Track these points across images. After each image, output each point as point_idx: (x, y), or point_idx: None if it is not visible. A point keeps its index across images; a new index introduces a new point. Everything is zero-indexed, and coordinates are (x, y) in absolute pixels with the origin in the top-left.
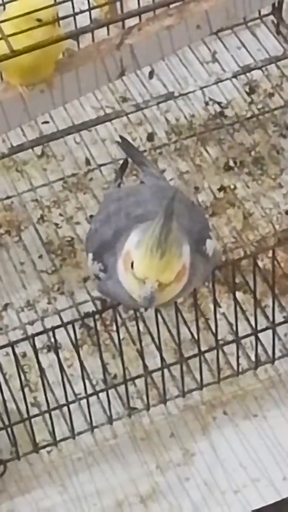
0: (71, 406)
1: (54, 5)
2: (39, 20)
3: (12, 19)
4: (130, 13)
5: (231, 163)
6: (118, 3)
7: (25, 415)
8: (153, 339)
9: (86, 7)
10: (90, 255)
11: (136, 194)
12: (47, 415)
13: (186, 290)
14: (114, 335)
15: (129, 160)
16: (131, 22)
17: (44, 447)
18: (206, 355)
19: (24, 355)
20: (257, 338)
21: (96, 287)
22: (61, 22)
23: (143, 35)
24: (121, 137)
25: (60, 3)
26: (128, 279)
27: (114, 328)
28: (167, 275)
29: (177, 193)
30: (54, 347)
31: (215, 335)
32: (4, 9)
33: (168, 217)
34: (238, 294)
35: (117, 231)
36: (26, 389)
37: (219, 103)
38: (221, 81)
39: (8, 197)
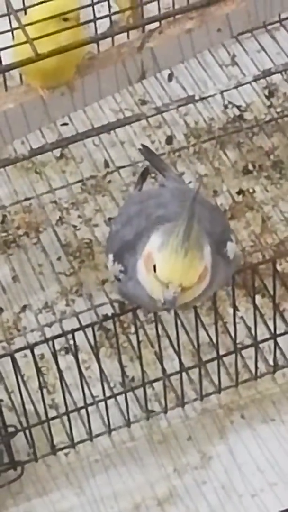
0: (89, 408)
1: (79, 8)
2: (65, 19)
3: (39, 22)
4: (152, 18)
5: (250, 167)
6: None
7: (43, 417)
8: (171, 342)
9: (106, 9)
10: (111, 256)
11: (157, 197)
12: (65, 417)
13: (207, 293)
14: (132, 337)
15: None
16: (151, 25)
17: (61, 449)
18: (224, 359)
19: (42, 357)
20: (275, 342)
21: (115, 289)
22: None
23: (164, 38)
24: (142, 145)
25: (82, 7)
26: (150, 281)
27: (132, 330)
28: (191, 278)
29: (198, 194)
30: (74, 350)
31: (234, 339)
32: (25, 13)
33: (190, 218)
34: (257, 298)
35: (138, 233)
36: (44, 391)
37: (238, 107)
38: (242, 84)
39: (27, 199)
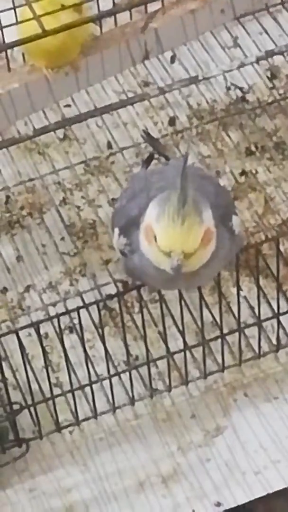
0: (93, 386)
1: None
2: (62, 5)
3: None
4: None
5: (253, 148)
6: None
7: (48, 395)
8: (174, 321)
9: None
10: (116, 230)
11: (161, 172)
12: (69, 395)
13: (214, 264)
14: (136, 317)
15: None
16: (153, 5)
17: (66, 426)
18: (228, 337)
19: (46, 336)
20: (278, 321)
21: (121, 266)
22: (84, 6)
23: (168, 18)
24: (144, 131)
25: None
26: (153, 252)
27: (136, 310)
28: (191, 243)
29: (193, 165)
30: (80, 328)
31: (238, 318)
32: None
33: (184, 185)
34: (260, 278)
35: (142, 207)
36: (49, 370)
37: (240, 88)
38: (244, 65)
39: (30, 180)
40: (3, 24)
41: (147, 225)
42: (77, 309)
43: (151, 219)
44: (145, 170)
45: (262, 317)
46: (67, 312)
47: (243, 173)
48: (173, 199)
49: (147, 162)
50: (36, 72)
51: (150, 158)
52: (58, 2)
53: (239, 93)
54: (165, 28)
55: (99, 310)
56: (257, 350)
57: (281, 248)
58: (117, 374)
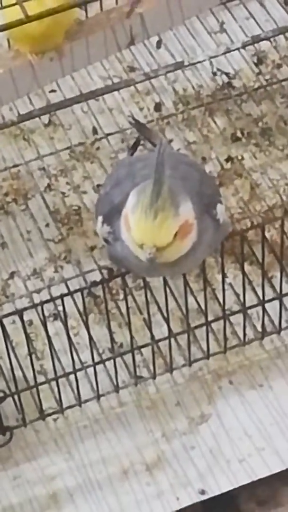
0: (77, 374)
1: None
2: None
3: None
4: None
5: (239, 134)
6: None
7: (32, 383)
8: (159, 308)
9: None
10: (100, 218)
11: (145, 159)
12: (53, 383)
13: (196, 254)
14: (120, 304)
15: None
16: None
17: (50, 414)
18: (213, 325)
19: (31, 323)
20: (263, 309)
21: (106, 253)
22: None
23: (153, 3)
24: (132, 118)
25: None
26: (129, 241)
27: (121, 297)
28: (163, 238)
29: (167, 147)
30: (63, 315)
31: (223, 305)
32: None
33: (158, 178)
34: (245, 265)
35: (126, 195)
36: (33, 357)
37: (226, 74)
38: (230, 51)
39: (15, 166)
40: None
41: (125, 214)
42: (61, 296)
43: (128, 208)
44: (130, 157)
45: (247, 304)
46: (51, 300)
47: (229, 159)
48: (148, 191)
49: (133, 148)
50: (21, 58)
51: (136, 144)
52: None
53: (225, 79)
54: (151, 13)
55: (83, 298)
56: (242, 338)
57: (267, 234)
58: (102, 361)
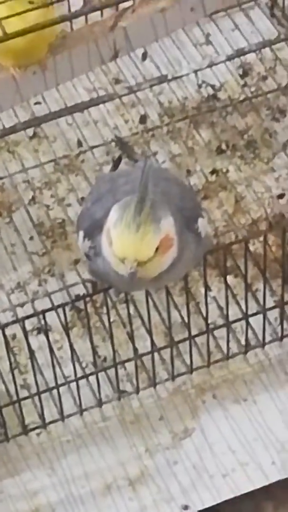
0: (60, 388)
1: None
2: (31, 2)
3: (5, 1)
4: None
5: (224, 146)
6: None
7: (15, 397)
8: (143, 322)
9: None
10: (81, 233)
11: (127, 175)
12: (36, 398)
13: (178, 269)
14: (105, 317)
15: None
16: (125, 4)
17: (33, 429)
18: (196, 339)
19: (14, 337)
20: (247, 323)
21: (86, 267)
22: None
23: (137, 17)
24: (116, 136)
25: None
26: (110, 256)
27: (105, 311)
28: (144, 252)
29: (152, 167)
30: (44, 330)
31: (206, 319)
32: None
33: (142, 192)
34: (229, 278)
35: (107, 210)
36: (16, 371)
37: (212, 86)
38: (215, 64)
39: None
40: None
41: (107, 229)
42: (42, 312)
43: (110, 223)
44: (111, 173)
45: (231, 318)
46: (33, 315)
47: (214, 171)
48: (131, 206)
49: (115, 165)
50: (3, 71)
51: (118, 161)
52: (24, 1)
53: (211, 91)
54: (134, 27)
55: (64, 313)
56: (225, 352)
57: (251, 247)
58: (85, 376)
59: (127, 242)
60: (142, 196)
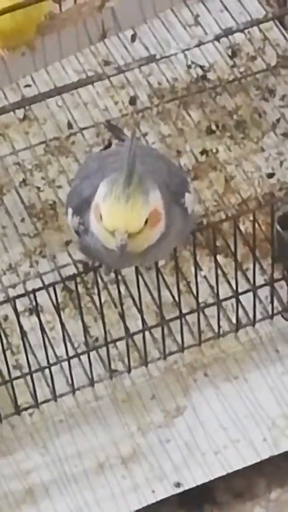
0: (52, 368)
1: None
2: None
3: None
4: None
5: (213, 127)
6: None
7: (7, 377)
8: (134, 302)
9: None
10: (70, 210)
11: (116, 154)
12: (28, 377)
13: (166, 244)
14: (96, 298)
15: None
16: None
17: (25, 409)
18: (187, 317)
19: (6, 318)
20: (238, 301)
21: (77, 245)
22: None
23: None
24: (106, 121)
25: None
26: (100, 231)
27: (96, 291)
28: (135, 223)
29: (139, 144)
30: (35, 310)
31: (196, 298)
32: None
33: (130, 165)
34: (220, 258)
35: (96, 188)
36: (8, 352)
37: (201, 67)
38: (203, 43)
39: None
40: None
41: (95, 204)
42: (33, 291)
43: (99, 198)
44: (100, 152)
45: (222, 297)
46: (24, 294)
47: (204, 152)
48: (120, 179)
49: (105, 150)
50: None
51: (109, 146)
52: None
53: (200, 72)
54: (122, 7)
55: (55, 292)
56: (216, 330)
57: (242, 227)
58: (76, 355)
59: (117, 213)
60: (130, 170)
